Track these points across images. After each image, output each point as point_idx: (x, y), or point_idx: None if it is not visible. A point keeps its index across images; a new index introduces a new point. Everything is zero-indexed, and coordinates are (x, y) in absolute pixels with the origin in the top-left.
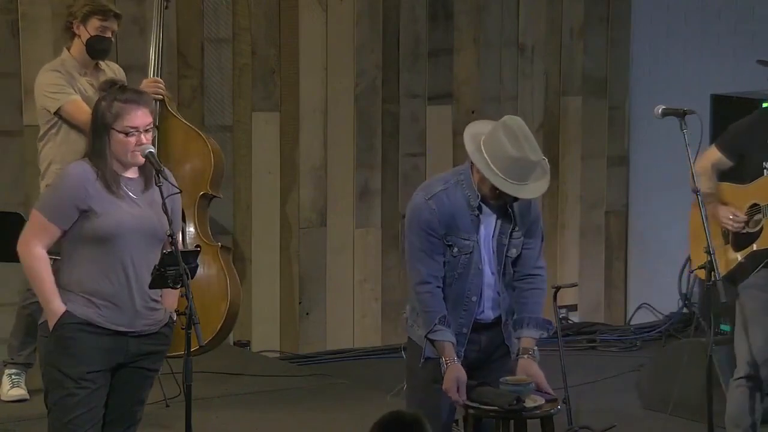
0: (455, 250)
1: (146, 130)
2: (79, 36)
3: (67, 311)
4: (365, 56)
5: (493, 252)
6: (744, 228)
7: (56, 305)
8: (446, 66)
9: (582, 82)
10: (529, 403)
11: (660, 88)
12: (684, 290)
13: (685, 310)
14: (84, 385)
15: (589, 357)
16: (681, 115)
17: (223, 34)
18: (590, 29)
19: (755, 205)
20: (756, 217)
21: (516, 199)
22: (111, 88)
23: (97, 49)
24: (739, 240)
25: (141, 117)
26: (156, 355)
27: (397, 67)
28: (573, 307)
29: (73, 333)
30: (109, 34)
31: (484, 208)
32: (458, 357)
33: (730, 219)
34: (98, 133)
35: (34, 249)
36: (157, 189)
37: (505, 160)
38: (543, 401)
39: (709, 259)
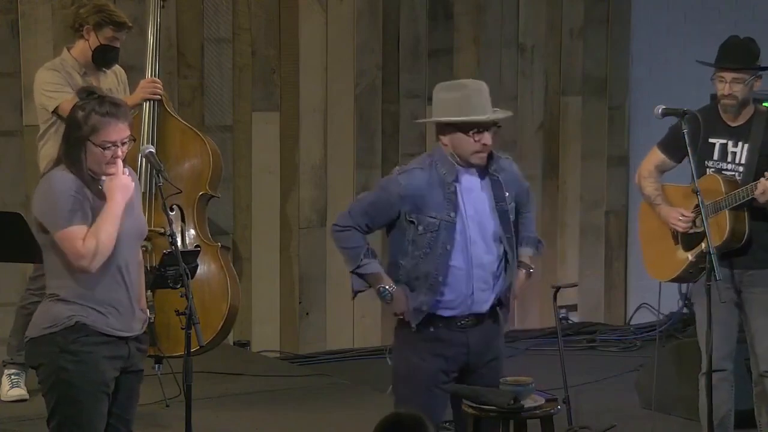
0: (420, 228)
1: (123, 143)
2: (88, 40)
3: (77, 323)
4: (365, 56)
5: (498, 222)
6: (692, 228)
7: (117, 198)
8: (446, 66)
9: (582, 82)
10: (528, 403)
11: (660, 88)
12: (684, 290)
13: (685, 310)
14: (101, 398)
15: (589, 357)
16: (681, 115)
17: (223, 34)
18: (590, 29)
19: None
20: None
21: (496, 160)
22: (88, 97)
23: (106, 58)
24: (688, 240)
25: (119, 131)
26: (143, 353)
27: (397, 67)
28: (573, 307)
29: (88, 346)
30: (117, 44)
31: (465, 182)
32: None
33: (679, 219)
34: (73, 143)
35: (84, 244)
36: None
37: (460, 101)
38: (543, 401)
39: (708, 259)
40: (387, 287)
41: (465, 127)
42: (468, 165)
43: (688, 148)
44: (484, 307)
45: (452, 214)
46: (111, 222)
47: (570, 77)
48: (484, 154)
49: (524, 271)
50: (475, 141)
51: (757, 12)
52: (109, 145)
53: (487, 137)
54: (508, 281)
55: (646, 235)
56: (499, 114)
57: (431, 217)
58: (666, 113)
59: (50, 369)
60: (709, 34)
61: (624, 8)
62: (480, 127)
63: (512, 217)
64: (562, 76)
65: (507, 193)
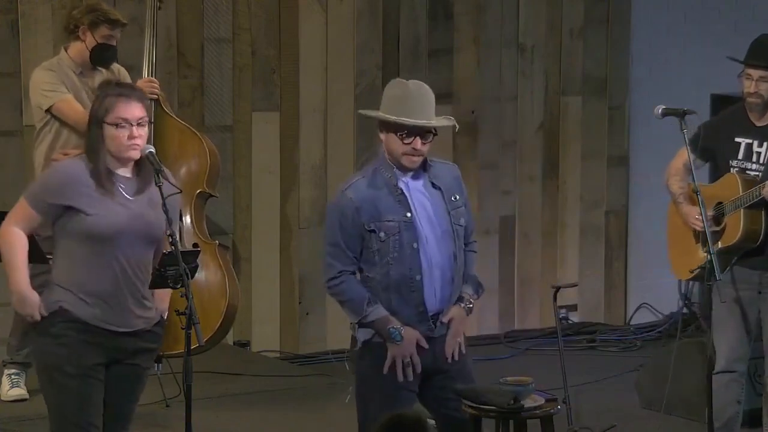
0: (382, 234)
1: (139, 124)
2: (84, 41)
3: (60, 308)
4: (365, 56)
5: (447, 223)
6: (711, 227)
7: (24, 288)
8: (446, 66)
9: (582, 82)
10: (528, 403)
11: (660, 88)
12: (684, 290)
13: (685, 310)
14: (86, 381)
15: (589, 357)
16: (681, 115)
17: (223, 34)
18: (590, 29)
19: (720, 203)
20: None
21: (427, 164)
22: (108, 85)
23: (103, 57)
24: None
25: (132, 109)
26: (149, 353)
27: (397, 67)
28: (573, 307)
29: (68, 330)
30: (114, 42)
31: (410, 183)
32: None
33: (697, 218)
34: (93, 129)
35: (12, 227)
36: (155, 188)
37: (396, 102)
38: (543, 401)
39: (708, 258)
40: (397, 327)
41: (394, 128)
42: (401, 167)
43: (687, 147)
44: (446, 306)
45: (408, 214)
46: (7, 253)
47: (570, 77)
48: (415, 158)
49: (463, 306)
50: (404, 144)
51: (757, 12)
52: (122, 122)
53: (417, 142)
54: (458, 286)
55: (672, 234)
56: (436, 121)
57: (389, 220)
58: (666, 113)
59: (37, 353)
60: (709, 34)
61: (624, 8)
62: (409, 130)
63: (464, 220)
64: (562, 76)
65: (456, 196)
